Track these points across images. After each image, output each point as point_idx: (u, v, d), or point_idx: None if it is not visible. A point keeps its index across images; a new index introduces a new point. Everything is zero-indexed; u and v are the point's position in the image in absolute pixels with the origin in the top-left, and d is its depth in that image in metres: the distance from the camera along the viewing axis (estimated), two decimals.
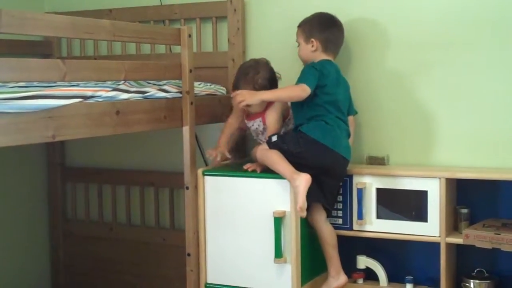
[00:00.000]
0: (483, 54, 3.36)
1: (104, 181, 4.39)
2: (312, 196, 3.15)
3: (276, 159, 3.20)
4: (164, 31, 3.40)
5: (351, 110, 3.48)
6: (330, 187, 3.31)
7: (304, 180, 3.09)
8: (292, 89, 3.29)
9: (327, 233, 3.32)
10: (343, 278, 3.33)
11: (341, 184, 3.38)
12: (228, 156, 3.41)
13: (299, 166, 3.16)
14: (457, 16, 3.40)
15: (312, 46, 3.41)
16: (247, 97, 3.28)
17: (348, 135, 3.37)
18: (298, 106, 3.33)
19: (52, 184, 4.51)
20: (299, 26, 3.50)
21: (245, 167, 3.34)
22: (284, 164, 3.18)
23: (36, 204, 4.48)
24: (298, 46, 3.49)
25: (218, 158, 3.38)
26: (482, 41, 3.36)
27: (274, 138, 3.26)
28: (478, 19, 3.36)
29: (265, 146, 3.28)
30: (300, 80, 3.27)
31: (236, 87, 3.40)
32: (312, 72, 3.27)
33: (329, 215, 3.35)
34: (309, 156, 3.21)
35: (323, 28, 3.43)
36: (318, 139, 3.20)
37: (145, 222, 4.28)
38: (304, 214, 3.12)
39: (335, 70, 3.38)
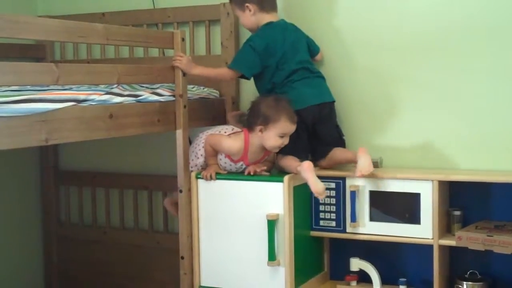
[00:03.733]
0: (472, 58, 3.37)
1: (98, 185, 4.39)
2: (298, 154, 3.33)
3: (285, 161, 3.33)
4: (157, 35, 3.41)
5: (314, 50, 3.59)
6: (328, 132, 3.45)
7: (305, 168, 3.17)
8: (222, 73, 3.49)
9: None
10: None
11: (337, 125, 3.52)
12: (223, 171, 3.40)
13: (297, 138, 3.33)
14: (445, 20, 3.42)
15: (250, 10, 3.46)
16: (184, 64, 3.32)
17: (320, 78, 3.48)
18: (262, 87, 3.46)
19: (46, 188, 4.51)
20: (230, 1, 3.57)
21: (247, 172, 3.31)
22: (289, 161, 3.29)
23: (29, 208, 4.47)
24: (240, 20, 3.56)
25: (214, 179, 3.35)
26: (473, 45, 3.37)
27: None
28: (466, 24, 3.38)
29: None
30: (233, 63, 3.42)
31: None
32: (248, 56, 3.37)
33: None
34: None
35: None
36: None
37: (139, 225, 4.28)
38: (322, 196, 3.20)
39: (279, 30, 3.44)
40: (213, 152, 3.36)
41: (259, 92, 3.51)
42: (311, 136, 3.41)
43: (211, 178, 3.33)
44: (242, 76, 3.47)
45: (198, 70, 3.39)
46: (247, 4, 3.46)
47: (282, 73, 3.39)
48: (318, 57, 3.62)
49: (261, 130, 3.26)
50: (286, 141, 3.27)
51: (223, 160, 3.37)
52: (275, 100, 3.27)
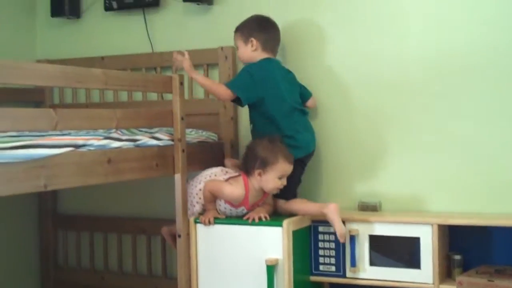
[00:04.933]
0: (470, 99, 3.39)
1: (96, 229, 4.36)
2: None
3: (300, 205, 3.34)
4: (156, 79, 3.41)
5: (305, 95, 3.60)
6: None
7: (332, 210, 3.22)
8: (219, 90, 3.41)
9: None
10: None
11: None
12: (221, 216, 3.37)
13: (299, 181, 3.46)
14: (445, 58, 3.44)
15: (252, 45, 3.49)
16: (184, 63, 3.38)
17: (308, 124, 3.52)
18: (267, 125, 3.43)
19: (44, 232, 4.48)
20: (236, 31, 3.58)
21: (251, 220, 3.28)
22: (309, 205, 3.33)
23: (27, 251, 4.44)
24: (237, 50, 3.57)
25: (212, 224, 3.33)
26: (472, 87, 3.39)
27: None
28: (463, 64, 3.40)
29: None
30: (230, 83, 3.43)
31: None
32: (245, 81, 3.38)
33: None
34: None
35: (262, 28, 3.53)
36: None
37: (137, 270, 4.24)
38: (343, 239, 3.26)
39: (277, 66, 3.50)
40: (212, 198, 3.34)
41: (255, 124, 3.49)
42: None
43: (209, 223, 3.31)
44: (236, 101, 3.44)
45: (198, 77, 3.42)
46: (252, 39, 3.49)
47: (283, 108, 3.39)
48: (310, 103, 3.63)
49: (259, 174, 3.25)
50: (284, 182, 3.27)
51: (223, 206, 3.36)
52: (271, 142, 3.27)
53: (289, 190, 3.36)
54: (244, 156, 3.39)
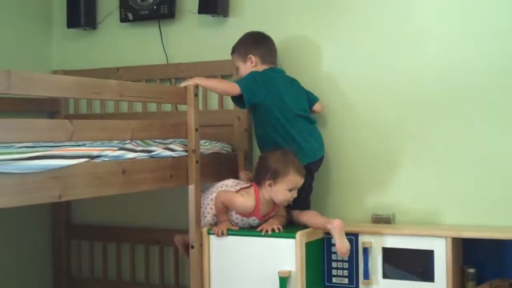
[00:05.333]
0: (484, 113, 3.39)
1: (109, 239, 4.37)
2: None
3: (309, 218, 3.33)
4: (171, 91, 3.42)
5: (312, 100, 3.63)
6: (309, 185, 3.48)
7: (336, 226, 3.20)
8: (228, 83, 3.47)
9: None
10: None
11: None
12: (234, 227, 3.37)
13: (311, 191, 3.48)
14: (457, 71, 3.45)
15: (251, 62, 3.54)
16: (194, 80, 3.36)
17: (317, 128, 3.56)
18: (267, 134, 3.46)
19: (57, 241, 4.49)
20: (233, 52, 3.63)
21: (264, 232, 3.27)
22: (317, 218, 3.31)
23: (40, 261, 4.46)
24: (237, 70, 3.60)
25: (226, 235, 3.33)
26: (483, 99, 3.40)
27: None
28: (473, 78, 3.41)
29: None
30: (238, 81, 3.45)
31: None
32: (250, 82, 3.42)
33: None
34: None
35: (257, 43, 3.58)
36: None
37: (150, 280, 4.25)
38: (345, 255, 3.25)
39: (280, 74, 3.55)
40: (224, 208, 3.35)
41: (257, 129, 3.54)
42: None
43: (222, 234, 3.32)
44: (239, 101, 3.45)
45: (203, 82, 3.42)
46: (250, 56, 3.54)
47: (286, 114, 3.42)
48: (317, 107, 3.66)
49: (270, 185, 3.26)
50: (295, 194, 3.28)
51: (234, 216, 3.36)
52: (283, 154, 3.29)
53: (301, 200, 3.36)
54: (256, 167, 3.41)
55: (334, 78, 3.72)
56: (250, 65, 3.54)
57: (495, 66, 3.36)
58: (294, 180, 3.26)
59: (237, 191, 3.37)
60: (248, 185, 3.40)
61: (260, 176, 3.31)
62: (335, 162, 3.68)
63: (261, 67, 3.55)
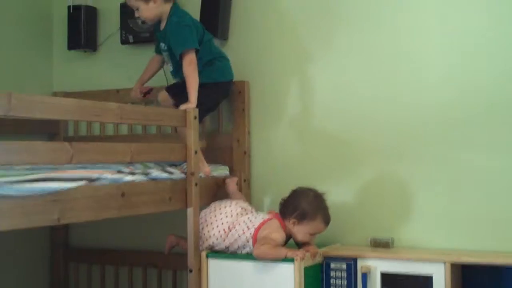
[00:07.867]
0: (484, 135, 3.40)
1: (107, 262, 4.35)
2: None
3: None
4: (171, 113, 3.42)
5: None
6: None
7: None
8: (193, 74, 3.47)
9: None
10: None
11: None
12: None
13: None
14: (455, 92, 3.46)
15: (154, 2, 3.51)
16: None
17: None
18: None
19: (55, 264, 4.47)
20: None
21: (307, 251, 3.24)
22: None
23: (38, 284, 4.43)
24: (137, 10, 3.53)
25: (305, 256, 3.22)
26: (484, 121, 3.41)
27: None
28: (476, 97, 3.43)
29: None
30: (184, 45, 3.47)
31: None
32: (190, 33, 3.50)
33: None
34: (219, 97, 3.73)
35: None
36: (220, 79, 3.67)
37: None
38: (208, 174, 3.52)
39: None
40: (276, 245, 3.24)
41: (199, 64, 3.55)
42: None
43: (303, 257, 3.19)
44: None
45: (193, 93, 3.44)
46: None
47: (214, 48, 3.67)
48: None
49: (294, 223, 3.28)
50: (314, 239, 3.31)
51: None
52: (316, 198, 3.33)
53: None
54: (286, 199, 3.38)
55: (333, 102, 3.74)
56: (153, 6, 3.51)
57: (497, 86, 3.39)
58: (319, 227, 3.29)
59: (260, 226, 3.30)
60: (266, 217, 3.36)
61: (287, 211, 3.32)
62: (333, 186, 3.66)
63: (163, 7, 3.53)
